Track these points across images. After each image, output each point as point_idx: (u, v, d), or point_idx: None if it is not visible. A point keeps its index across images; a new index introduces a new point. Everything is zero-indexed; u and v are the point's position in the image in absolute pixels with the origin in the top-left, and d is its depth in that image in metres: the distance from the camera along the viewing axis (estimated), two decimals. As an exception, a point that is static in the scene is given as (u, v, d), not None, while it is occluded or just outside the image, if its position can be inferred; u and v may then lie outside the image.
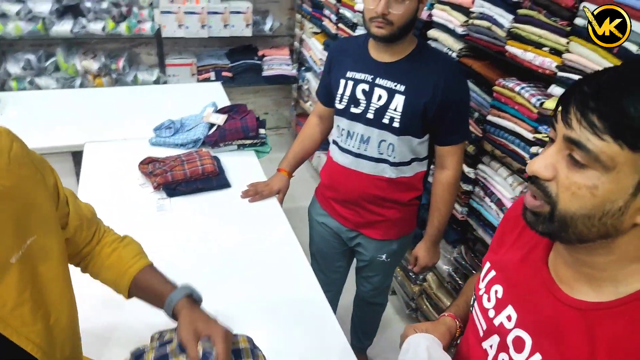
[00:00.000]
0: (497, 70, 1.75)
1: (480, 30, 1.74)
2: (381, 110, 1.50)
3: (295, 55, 3.81)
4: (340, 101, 1.59)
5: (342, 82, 1.58)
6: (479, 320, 0.89)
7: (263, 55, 3.73)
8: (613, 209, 0.60)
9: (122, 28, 3.20)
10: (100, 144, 2.09)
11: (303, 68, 3.75)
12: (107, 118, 2.33)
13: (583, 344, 0.68)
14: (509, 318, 0.81)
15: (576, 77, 1.36)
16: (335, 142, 1.69)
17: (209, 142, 2.06)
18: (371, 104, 1.52)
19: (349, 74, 1.57)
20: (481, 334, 0.87)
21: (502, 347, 0.81)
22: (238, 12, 3.40)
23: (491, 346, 0.84)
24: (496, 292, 0.86)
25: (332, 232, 1.83)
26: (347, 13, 2.80)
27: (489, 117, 1.73)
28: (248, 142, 2.12)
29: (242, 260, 1.51)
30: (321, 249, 1.92)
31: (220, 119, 2.12)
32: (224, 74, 3.61)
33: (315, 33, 3.45)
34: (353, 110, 1.56)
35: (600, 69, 0.65)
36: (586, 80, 0.62)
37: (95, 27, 3.15)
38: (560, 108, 0.64)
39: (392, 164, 1.58)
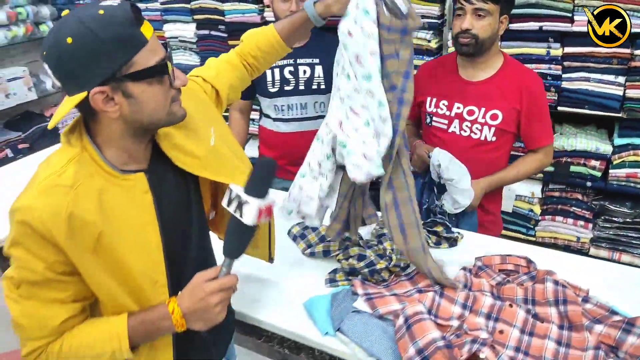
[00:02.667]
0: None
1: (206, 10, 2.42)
2: (309, 81, 2.04)
3: (84, 103, 3.77)
4: (273, 86, 2.05)
5: (268, 72, 2.02)
6: (440, 122, 1.75)
7: (52, 115, 3.59)
8: (493, 30, 1.58)
9: None
10: None
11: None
12: None
13: (510, 90, 1.64)
14: (458, 108, 1.71)
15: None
16: (278, 119, 2.11)
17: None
18: (300, 79, 2.03)
19: None
20: (445, 127, 1.74)
21: (462, 119, 1.70)
22: (16, 79, 3.23)
23: (455, 127, 1.72)
24: (445, 105, 1.73)
25: None
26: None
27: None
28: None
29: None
30: None
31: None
32: (21, 146, 3.39)
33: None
34: (287, 88, 2.04)
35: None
36: None
37: None
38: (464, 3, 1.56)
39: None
